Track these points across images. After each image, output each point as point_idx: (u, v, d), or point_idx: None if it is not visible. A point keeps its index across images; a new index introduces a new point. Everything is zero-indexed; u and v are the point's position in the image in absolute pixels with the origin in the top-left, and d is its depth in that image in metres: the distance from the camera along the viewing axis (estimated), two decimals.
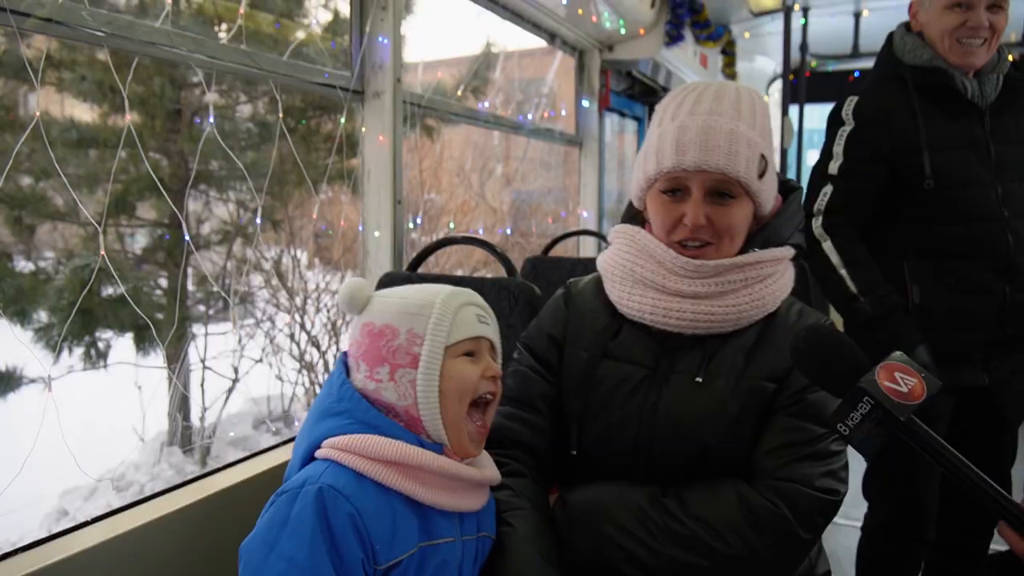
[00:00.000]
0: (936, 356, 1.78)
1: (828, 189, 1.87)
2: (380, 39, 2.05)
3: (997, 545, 2.59)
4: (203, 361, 5.24)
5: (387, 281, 1.87)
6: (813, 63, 5.40)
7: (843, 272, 1.82)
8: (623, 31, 3.46)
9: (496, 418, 1.27)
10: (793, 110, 4.21)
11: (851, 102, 1.90)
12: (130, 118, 4.77)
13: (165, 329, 4.84)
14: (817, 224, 1.86)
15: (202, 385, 5.31)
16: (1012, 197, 1.85)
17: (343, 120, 1.91)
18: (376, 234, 2.12)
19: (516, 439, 1.26)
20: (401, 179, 2.12)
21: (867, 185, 1.87)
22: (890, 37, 2.02)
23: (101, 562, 1.22)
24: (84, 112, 4.27)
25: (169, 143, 4.69)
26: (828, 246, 1.84)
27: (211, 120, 1.85)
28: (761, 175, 1.16)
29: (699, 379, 1.16)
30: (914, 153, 1.83)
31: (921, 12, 1.92)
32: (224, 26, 4.10)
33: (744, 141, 1.13)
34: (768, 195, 1.20)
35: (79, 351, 4.18)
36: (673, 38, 3.57)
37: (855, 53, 4.72)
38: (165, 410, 5.46)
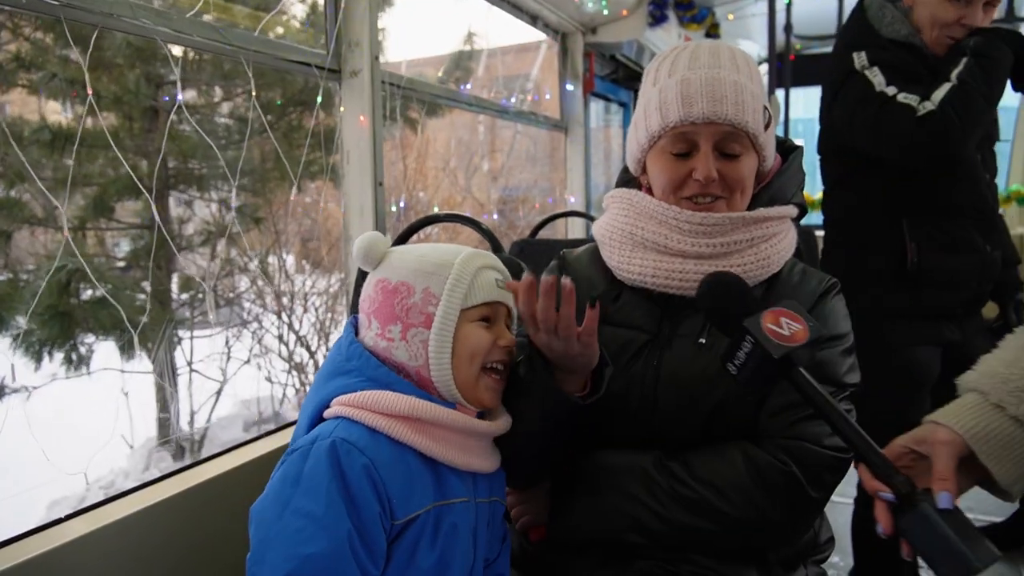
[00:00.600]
0: (924, 313, 1.89)
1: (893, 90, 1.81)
2: (357, 16, 1.98)
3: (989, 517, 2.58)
4: (190, 364, 5.16)
5: None
6: (798, 45, 5.36)
7: (887, 90, 1.80)
8: (606, 11, 3.41)
9: None
10: (779, 95, 4.17)
11: (859, 56, 1.86)
12: (105, 117, 4.71)
13: (150, 333, 4.76)
14: (875, 75, 1.82)
15: (189, 388, 5.23)
16: (987, 162, 1.95)
17: (319, 99, 1.84)
18: (359, 217, 2.05)
19: None
20: (382, 160, 2.06)
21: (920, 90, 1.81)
22: (862, 6, 1.98)
23: (88, 553, 1.19)
24: (55, 113, 4.18)
25: (147, 143, 4.61)
26: (875, 72, 1.82)
27: (179, 97, 1.77)
28: (766, 127, 1.13)
29: (702, 340, 1.12)
30: None
31: None
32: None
33: (748, 92, 1.10)
34: (771, 149, 1.17)
35: (61, 357, 4.09)
36: (656, 19, 3.52)
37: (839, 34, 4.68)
38: (154, 415, 5.38)
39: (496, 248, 1.79)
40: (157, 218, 4.01)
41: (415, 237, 1.91)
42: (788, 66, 4.37)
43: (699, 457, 1.08)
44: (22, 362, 3.96)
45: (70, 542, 1.17)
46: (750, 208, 1.16)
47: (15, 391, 4.31)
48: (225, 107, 5.12)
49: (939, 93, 1.76)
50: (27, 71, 4.02)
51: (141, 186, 3.72)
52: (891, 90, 1.81)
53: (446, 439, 0.96)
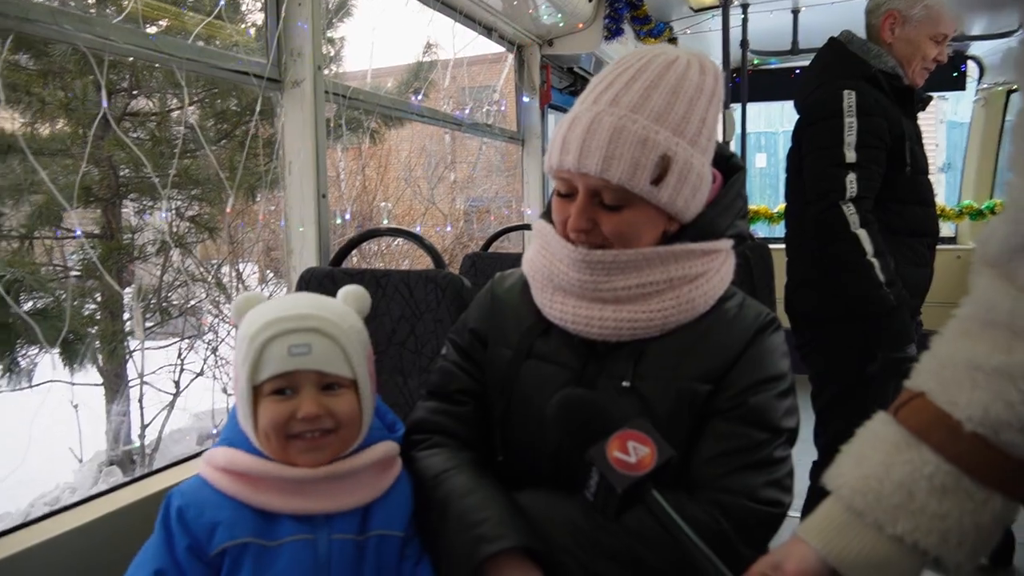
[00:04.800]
0: None
1: (852, 177, 1.97)
2: (299, 24, 1.94)
3: None
4: (140, 376, 5.03)
5: (308, 277, 1.77)
6: (755, 60, 5.43)
7: (874, 260, 1.93)
8: (561, 24, 3.41)
9: (419, 412, 1.22)
10: (735, 109, 4.20)
11: (849, 96, 2.01)
12: (60, 124, 4.58)
13: (101, 344, 4.63)
14: (851, 212, 1.95)
15: (140, 401, 5.09)
16: (932, 188, 2.21)
17: (258, 108, 1.80)
18: (300, 229, 2.01)
19: (440, 430, 1.19)
20: (325, 172, 2.02)
21: (880, 171, 2.01)
22: (836, 42, 2.19)
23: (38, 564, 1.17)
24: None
25: (97, 150, 4.49)
26: (864, 235, 1.94)
27: (104, 104, 1.71)
28: (659, 179, 1.02)
29: (626, 383, 1.07)
30: (900, 142, 2.04)
31: (900, 28, 2.10)
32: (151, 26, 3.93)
33: (631, 140, 1.00)
34: (676, 199, 1.05)
35: (10, 369, 3.96)
36: (612, 32, 3.52)
37: (795, 50, 4.74)
38: (103, 429, 5.23)
39: (438, 263, 1.76)
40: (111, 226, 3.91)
41: (356, 251, 1.87)
42: (746, 81, 4.42)
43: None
44: None
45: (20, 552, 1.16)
46: (675, 242, 1.09)
47: None
48: (178, 116, 5.04)
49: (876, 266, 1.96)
50: None
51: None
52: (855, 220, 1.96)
53: (269, 487, 1.00)
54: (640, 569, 0.99)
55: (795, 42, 4.58)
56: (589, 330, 1.09)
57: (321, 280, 1.74)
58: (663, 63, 1.07)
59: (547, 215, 1.18)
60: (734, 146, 4.49)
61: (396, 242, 6.12)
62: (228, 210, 4.00)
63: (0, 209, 4.43)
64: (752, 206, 5.79)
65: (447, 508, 1.04)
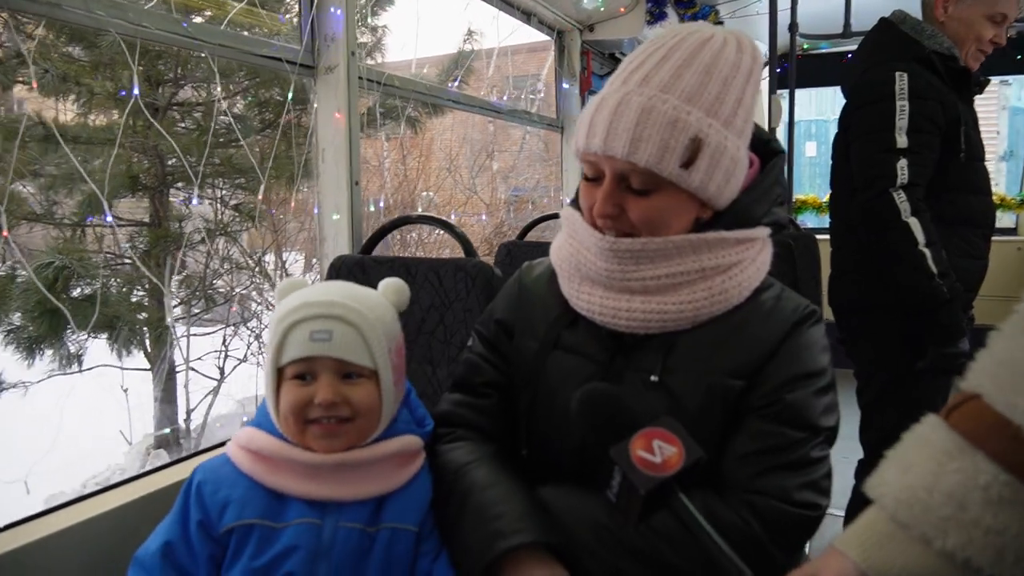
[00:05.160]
0: None
1: (904, 163, 1.87)
2: (332, 10, 1.93)
3: None
4: (187, 361, 5.14)
5: (338, 265, 1.75)
6: (805, 45, 5.26)
7: (925, 251, 1.85)
8: (603, 8, 3.34)
9: (444, 405, 1.20)
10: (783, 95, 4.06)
11: (901, 78, 1.91)
12: (110, 114, 4.69)
13: (147, 330, 4.74)
14: (902, 199, 1.87)
15: (186, 386, 5.21)
16: (989, 176, 2.10)
17: (290, 96, 1.79)
18: (335, 217, 2.00)
19: (463, 423, 1.16)
20: (358, 158, 2.00)
21: (932, 157, 1.92)
22: (887, 22, 2.08)
23: (68, 545, 1.17)
24: (50, 109, 4.16)
25: (146, 140, 4.58)
26: (915, 223, 1.85)
27: (135, 92, 1.71)
28: (689, 162, 0.97)
29: (654, 377, 1.02)
30: (955, 127, 1.93)
31: (953, 6, 1.99)
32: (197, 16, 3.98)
33: (660, 121, 0.95)
34: (708, 183, 0.99)
35: (55, 354, 4.07)
36: (655, 16, 3.44)
37: (846, 33, 4.56)
38: (151, 413, 5.37)
39: (468, 251, 1.73)
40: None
41: (397, 241, 1.85)
42: (794, 65, 4.28)
43: None
44: (15, 359, 3.94)
45: (52, 534, 1.16)
46: (708, 229, 1.04)
47: (12, 386, 4.32)
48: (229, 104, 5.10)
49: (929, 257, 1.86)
50: (26, 68, 4.00)
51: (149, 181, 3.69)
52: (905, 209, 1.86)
53: (284, 469, 1.01)
54: (665, 570, 0.95)
55: (847, 25, 4.39)
56: (616, 322, 1.04)
57: (351, 268, 1.73)
58: (697, 41, 1.01)
59: (576, 202, 1.13)
60: (782, 134, 4.37)
61: (435, 233, 6.12)
62: (260, 197, 4.02)
63: (52, 198, 4.56)
64: (800, 196, 5.63)
65: (466, 501, 1.02)
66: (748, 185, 1.07)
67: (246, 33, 1.75)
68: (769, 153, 1.13)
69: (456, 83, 3.74)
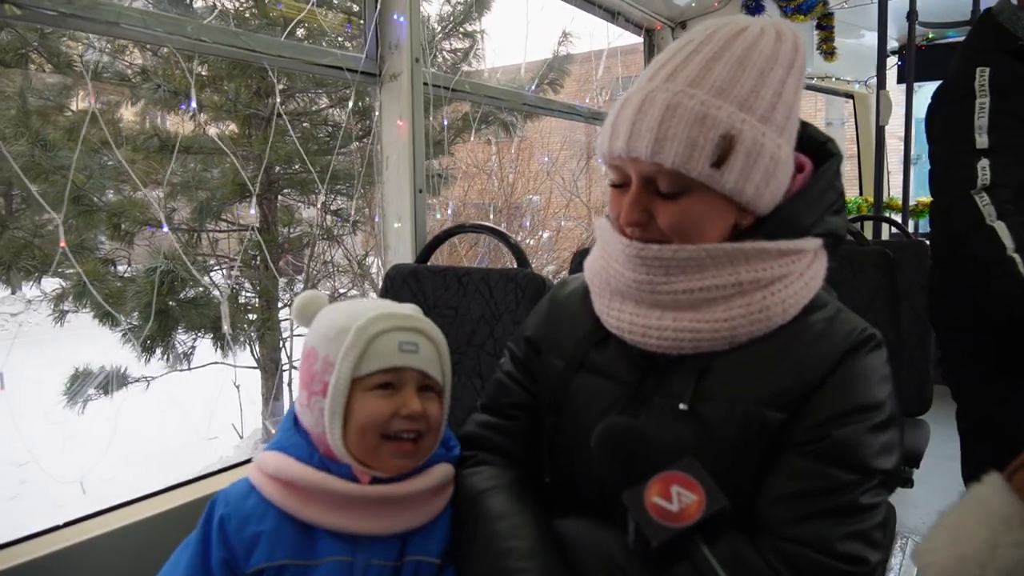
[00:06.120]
0: None
1: (985, 164, 1.66)
2: (395, 17, 1.92)
3: None
4: (290, 359, 5.36)
5: (394, 274, 1.74)
6: (930, 34, 4.85)
7: (1015, 256, 1.61)
8: (694, 4, 3.19)
9: (469, 426, 1.15)
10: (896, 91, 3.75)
11: (982, 73, 1.69)
12: (225, 125, 4.96)
13: (252, 330, 4.98)
14: (985, 202, 1.65)
15: (289, 385, 5.43)
16: None
17: (350, 105, 1.79)
18: (396, 225, 1.99)
19: (487, 446, 1.10)
20: (423, 166, 1.99)
21: (1018, 156, 1.68)
22: (988, 12, 1.82)
23: (109, 550, 1.21)
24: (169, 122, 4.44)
25: (255, 149, 4.81)
26: (1001, 227, 1.62)
27: (192, 104, 1.77)
28: (720, 161, 0.88)
29: (683, 406, 0.92)
30: None
31: None
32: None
33: (687, 117, 0.87)
34: (745, 185, 0.90)
35: (169, 352, 4.35)
36: (752, 9, 3.24)
37: (975, 20, 4.16)
38: (259, 410, 5.65)
39: (521, 261, 1.67)
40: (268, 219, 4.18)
41: (444, 246, 1.82)
42: (912, 57, 3.94)
43: None
44: (131, 356, 4.23)
45: (91, 539, 1.20)
46: (748, 238, 0.93)
47: (136, 381, 4.65)
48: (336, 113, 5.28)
49: None
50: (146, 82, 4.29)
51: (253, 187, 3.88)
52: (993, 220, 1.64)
53: (318, 500, 0.95)
54: None
55: (976, 11, 4.01)
56: (647, 340, 0.95)
57: (406, 277, 1.71)
58: (730, 32, 0.92)
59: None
60: (893, 128, 4.02)
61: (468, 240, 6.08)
62: (355, 202, 4.11)
63: (172, 204, 4.87)
64: (923, 198, 5.19)
65: (476, 531, 0.97)
66: (797, 190, 0.96)
67: (302, 42, 1.76)
68: (826, 156, 1.01)
69: (533, 87, 3.67)
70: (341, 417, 0.94)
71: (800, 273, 0.94)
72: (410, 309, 1.02)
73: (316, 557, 0.94)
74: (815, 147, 1.01)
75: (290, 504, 0.95)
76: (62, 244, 1.41)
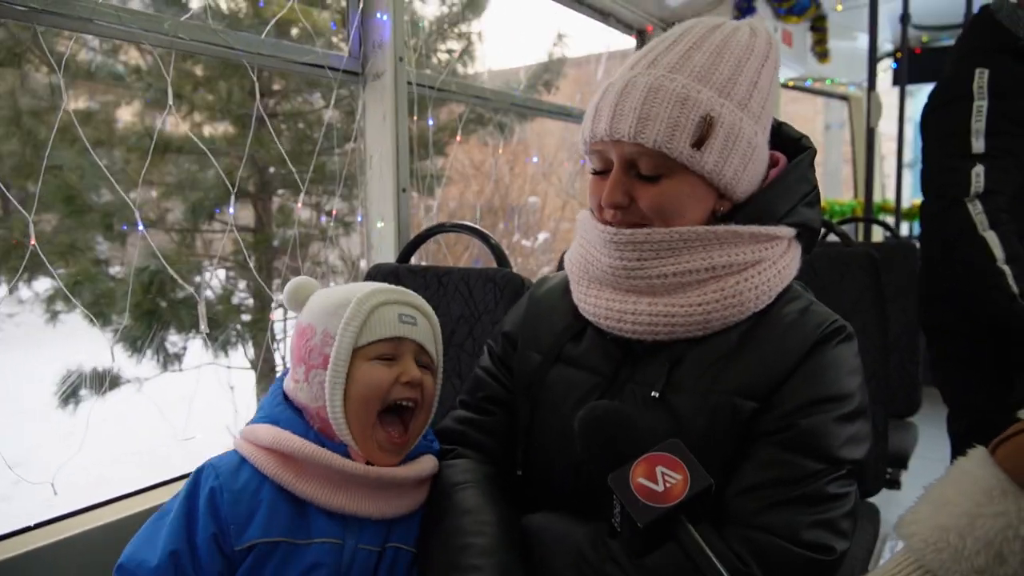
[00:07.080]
0: None
1: (980, 170, 1.66)
2: (379, 15, 1.91)
3: None
4: (283, 360, 5.34)
5: (375, 273, 1.74)
6: (924, 37, 4.85)
7: (1005, 267, 1.62)
8: (686, 5, 3.18)
9: (446, 421, 1.16)
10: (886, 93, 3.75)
11: (981, 75, 1.69)
12: (216, 126, 4.96)
13: (248, 331, 4.96)
14: (978, 211, 1.66)
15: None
16: None
17: (332, 102, 1.78)
18: (379, 225, 1.98)
19: (463, 441, 1.12)
20: (407, 166, 1.98)
21: (1016, 162, 1.69)
22: (984, 10, 1.84)
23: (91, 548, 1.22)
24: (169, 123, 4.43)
25: (247, 149, 4.80)
26: (992, 237, 1.64)
27: (169, 103, 1.75)
28: (700, 142, 0.90)
29: (654, 393, 0.93)
30: None
31: None
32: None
33: (669, 99, 0.90)
34: (723, 167, 0.93)
35: (158, 352, 4.33)
36: (743, 11, 3.24)
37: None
38: (253, 410, 5.64)
39: (501, 260, 1.66)
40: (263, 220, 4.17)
41: (423, 248, 1.82)
42: (906, 60, 3.95)
43: None
44: (122, 356, 4.21)
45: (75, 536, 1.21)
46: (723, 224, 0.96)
47: (128, 381, 4.63)
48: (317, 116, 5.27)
49: None
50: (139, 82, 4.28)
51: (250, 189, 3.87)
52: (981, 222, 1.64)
53: (315, 476, 0.95)
54: None
55: (969, 14, 4.01)
56: (622, 326, 0.96)
57: (386, 277, 1.70)
58: (707, 27, 0.97)
59: None
60: (890, 131, 4.03)
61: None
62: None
63: (164, 205, 4.86)
64: (917, 201, 5.18)
65: (438, 525, 0.98)
66: (772, 180, 0.99)
67: (282, 40, 1.75)
68: (799, 152, 1.03)
69: (523, 87, 3.66)
70: (342, 388, 0.95)
71: (773, 261, 0.96)
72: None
73: (309, 537, 0.94)
74: (790, 144, 1.04)
75: (286, 478, 0.94)
76: (32, 242, 1.39)
